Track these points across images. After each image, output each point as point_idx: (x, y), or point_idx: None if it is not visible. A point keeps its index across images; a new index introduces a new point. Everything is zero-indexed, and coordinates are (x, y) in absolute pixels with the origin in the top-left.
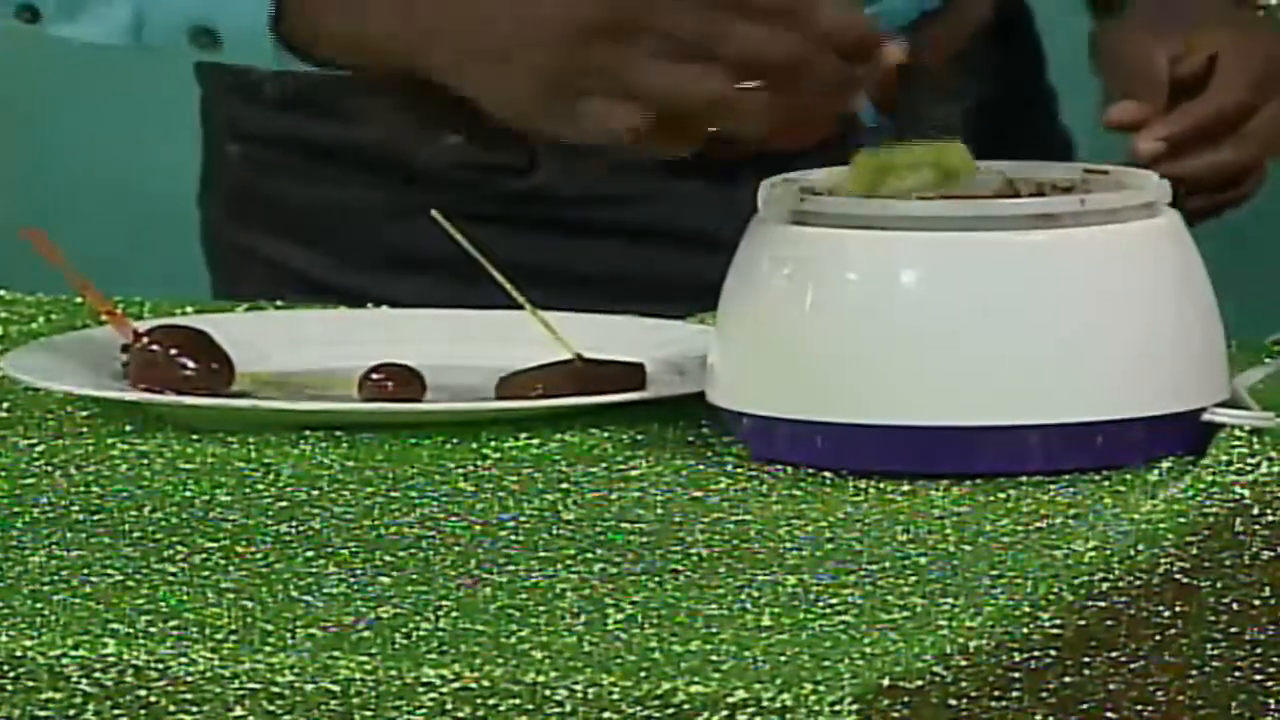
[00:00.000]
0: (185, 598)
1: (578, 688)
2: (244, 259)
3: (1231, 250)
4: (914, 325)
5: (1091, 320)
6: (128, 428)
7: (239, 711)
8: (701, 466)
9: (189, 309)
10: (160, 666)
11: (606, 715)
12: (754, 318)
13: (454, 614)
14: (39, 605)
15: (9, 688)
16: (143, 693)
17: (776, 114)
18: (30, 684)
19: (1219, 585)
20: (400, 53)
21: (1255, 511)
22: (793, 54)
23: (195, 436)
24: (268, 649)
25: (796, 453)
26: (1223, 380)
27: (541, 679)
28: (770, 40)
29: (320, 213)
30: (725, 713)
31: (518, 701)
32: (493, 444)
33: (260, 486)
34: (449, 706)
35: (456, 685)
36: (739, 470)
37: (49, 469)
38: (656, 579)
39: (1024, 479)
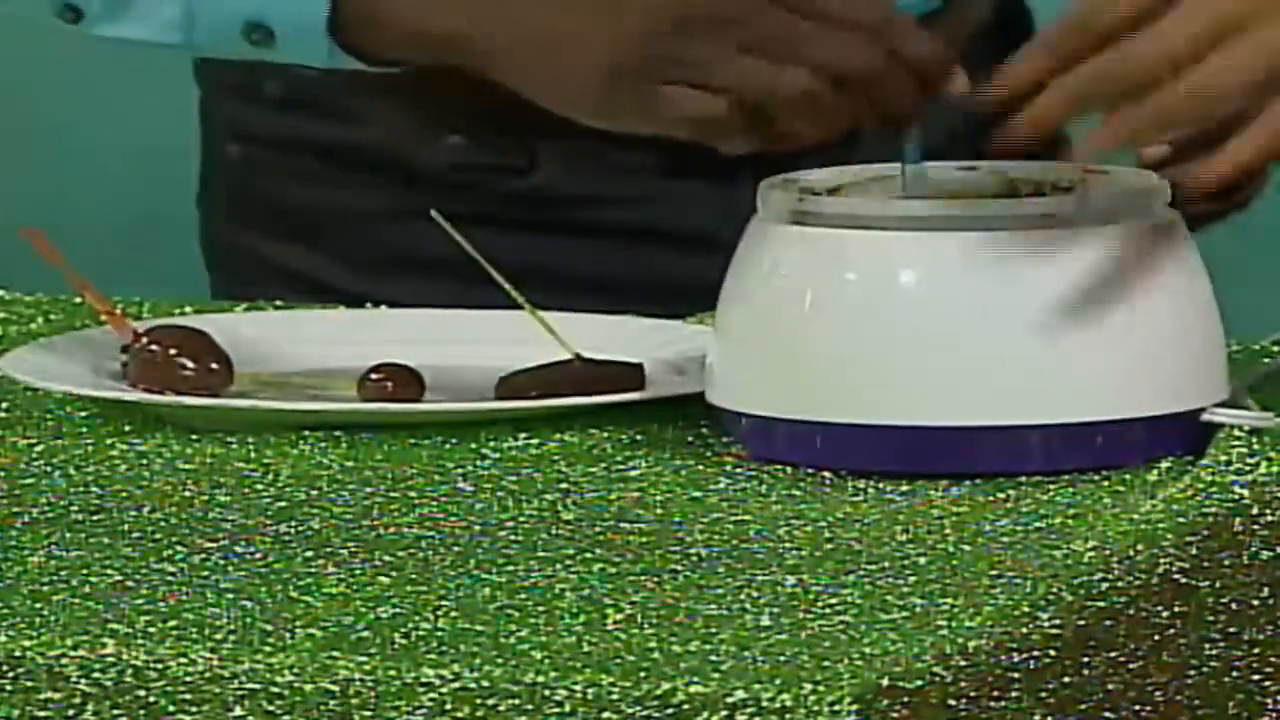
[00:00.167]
0: (185, 598)
1: (577, 688)
2: (243, 259)
3: (1231, 250)
4: (914, 325)
5: (1091, 320)
6: (127, 428)
7: (238, 711)
8: (701, 466)
9: (189, 309)
10: (159, 666)
11: (606, 715)
12: (754, 318)
13: (453, 614)
14: (38, 605)
15: (8, 688)
16: (142, 693)
17: (840, 120)
18: (29, 684)
19: (1218, 585)
20: (464, 48)
21: (1254, 511)
22: (872, 67)
23: (195, 436)
24: (267, 649)
25: (795, 453)
26: (1222, 380)
27: (541, 679)
28: (852, 51)
29: (320, 213)
30: (725, 713)
31: (517, 701)
32: (492, 444)
33: (260, 486)
34: (448, 706)
35: (456, 685)
36: (738, 470)
37: (49, 469)
38: (656, 579)
39: (1024, 479)
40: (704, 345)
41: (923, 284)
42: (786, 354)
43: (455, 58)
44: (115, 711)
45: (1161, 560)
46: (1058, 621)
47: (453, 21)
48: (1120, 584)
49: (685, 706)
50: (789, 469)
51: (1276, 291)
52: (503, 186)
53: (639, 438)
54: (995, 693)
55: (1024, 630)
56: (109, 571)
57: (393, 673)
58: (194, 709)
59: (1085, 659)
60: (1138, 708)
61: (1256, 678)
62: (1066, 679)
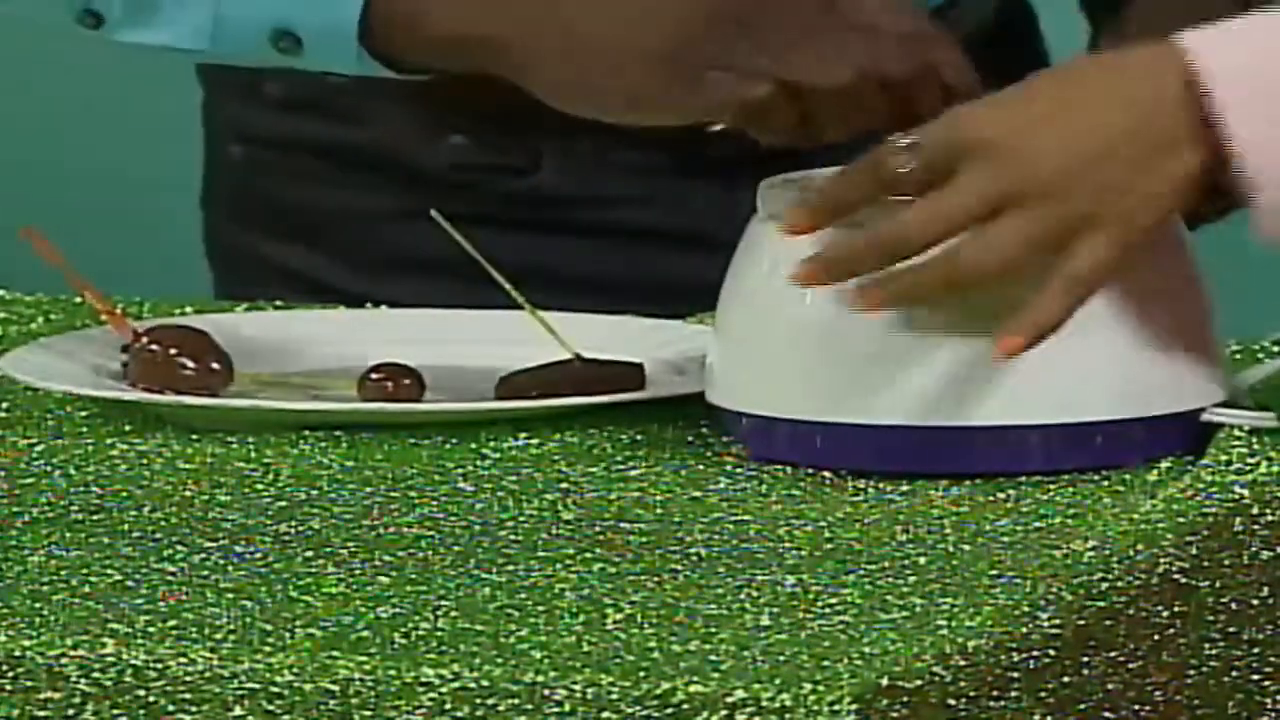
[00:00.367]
0: (185, 598)
1: (577, 687)
2: (244, 259)
3: (1231, 250)
4: (913, 325)
5: (1091, 320)
6: (127, 427)
7: (238, 711)
8: (701, 466)
9: (189, 309)
10: (159, 666)
11: (605, 715)
12: (754, 318)
13: (453, 614)
14: (38, 605)
15: (8, 688)
16: (142, 693)
17: (872, 121)
18: (29, 684)
19: (1218, 585)
20: (500, 52)
21: (1254, 511)
22: (908, 73)
23: (195, 436)
24: (267, 649)
25: (796, 453)
26: (1222, 380)
27: (540, 679)
28: (892, 55)
29: (321, 213)
30: (724, 712)
31: (516, 701)
32: (492, 444)
33: (260, 486)
34: (448, 706)
35: (455, 685)
36: (738, 470)
37: (49, 469)
38: (655, 579)
39: (1024, 479)
40: (704, 345)
41: None
42: (787, 354)
43: (488, 63)
44: (115, 711)
45: (1161, 560)
46: (1058, 621)
47: (491, 26)
48: (1120, 584)
49: (685, 706)
50: (789, 469)
51: (1276, 291)
52: (503, 186)
53: (639, 438)
54: (995, 693)
55: (1024, 630)
56: (109, 571)
57: (393, 673)
58: (194, 709)
59: (1085, 659)
60: (1138, 708)
61: (1256, 678)
62: (1066, 679)
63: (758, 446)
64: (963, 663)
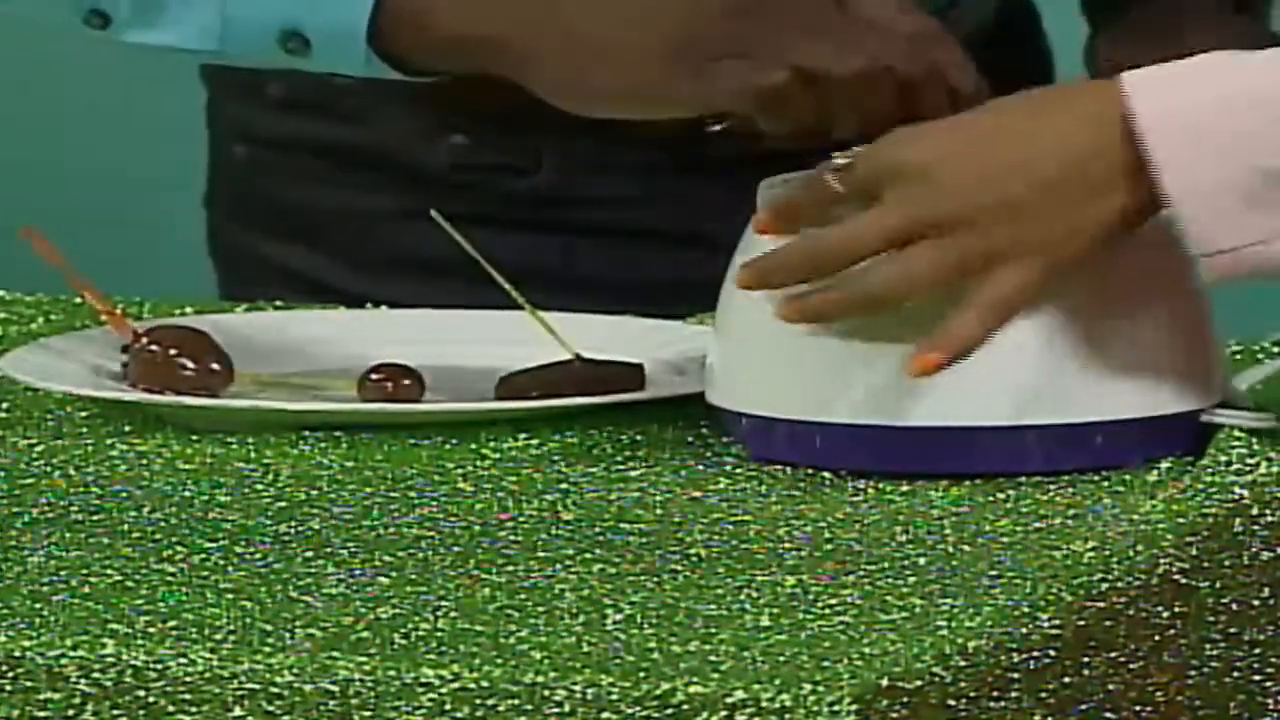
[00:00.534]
0: (184, 598)
1: (576, 688)
2: (245, 259)
3: None
4: (913, 325)
5: (1091, 320)
6: (127, 428)
7: (238, 712)
8: (701, 466)
9: (189, 309)
10: (159, 667)
11: (605, 715)
12: (754, 318)
13: (453, 614)
14: (38, 605)
15: (8, 688)
16: (142, 693)
17: (880, 117)
18: (29, 684)
19: (1218, 586)
20: (504, 52)
21: (1254, 512)
22: (918, 72)
23: (195, 437)
24: (267, 649)
25: (795, 453)
26: (1221, 381)
27: (540, 679)
28: (902, 53)
29: (321, 213)
30: (724, 713)
31: (516, 702)
32: (492, 444)
33: (260, 486)
34: (448, 707)
35: (455, 685)
36: (738, 470)
37: (49, 469)
38: (655, 579)
39: (1023, 479)
40: (704, 345)
41: None
42: (786, 354)
43: (491, 63)
44: (115, 711)
45: (1161, 561)
46: (1058, 621)
47: (492, 26)
48: (1120, 584)
49: (685, 706)
50: (789, 469)
51: (1277, 291)
52: (503, 186)
53: (639, 438)
54: (995, 693)
55: (1024, 630)
56: (109, 571)
57: (393, 673)
58: (194, 709)
59: (1085, 659)
60: (1138, 708)
61: (1257, 678)
62: (1066, 679)
63: (757, 447)
64: (963, 663)
